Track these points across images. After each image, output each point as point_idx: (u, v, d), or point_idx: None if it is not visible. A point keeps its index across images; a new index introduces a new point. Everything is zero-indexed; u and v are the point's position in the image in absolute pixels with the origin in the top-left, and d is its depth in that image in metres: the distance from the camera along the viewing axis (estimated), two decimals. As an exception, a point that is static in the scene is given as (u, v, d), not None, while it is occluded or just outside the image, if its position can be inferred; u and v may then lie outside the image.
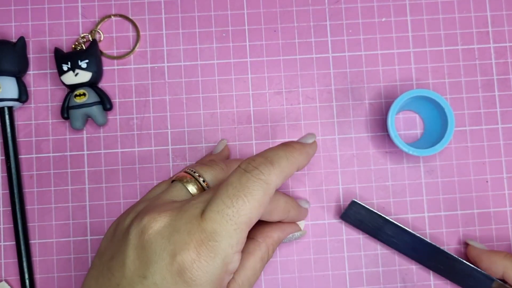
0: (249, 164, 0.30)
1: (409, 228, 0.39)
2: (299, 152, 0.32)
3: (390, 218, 0.39)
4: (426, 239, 0.39)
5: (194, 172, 0.33)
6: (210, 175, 0.34)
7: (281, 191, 0.35)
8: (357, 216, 0.40)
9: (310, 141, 0.34)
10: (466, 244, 0.40)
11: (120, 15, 0.43)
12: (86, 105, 0.40)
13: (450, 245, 0.41)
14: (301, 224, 0.39)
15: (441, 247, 0.39)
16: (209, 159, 0.38)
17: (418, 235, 0.39)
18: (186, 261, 0.28)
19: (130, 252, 0.29)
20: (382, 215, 0.39)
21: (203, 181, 0.33)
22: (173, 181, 0.34)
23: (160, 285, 0.28)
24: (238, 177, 0.30)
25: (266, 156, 0.31)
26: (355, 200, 0.39)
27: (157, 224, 0.29)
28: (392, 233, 0.39)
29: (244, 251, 0.33)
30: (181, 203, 0.31)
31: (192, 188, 0.33)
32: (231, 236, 0.29)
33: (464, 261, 0.38)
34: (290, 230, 0.37)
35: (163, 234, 0.29)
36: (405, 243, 0.40)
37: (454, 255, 0.39)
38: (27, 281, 0.40)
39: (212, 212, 0.29)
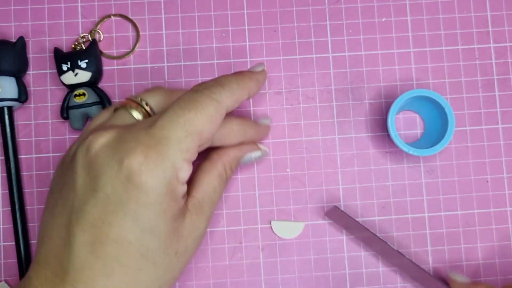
0: (200, 86, 0.31)
1: (392, 244, 0.39)
2: (249, 78, 0.33)
3: (373, 229, 0.39)
4: (406, 256, 0.38)
5: (137, 98, 0.33)
6: (154, 100, 0.33)
7: (236, 116, 0.36)
8: (339, 219, 0.40)
9: (259, 69, 0.36)
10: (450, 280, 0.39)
11: (120, 15, 0.43)
12: (86, 105, 0.40)
13: (449, 246, 0.41)
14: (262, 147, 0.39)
15: (421, 266, 0.39)
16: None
17: (397, 250, 0.39)
18: (133, 164, 0.27)
19: (79, 171, 0.29)
20: (364, 225, 0.39)
21: (147, 104, 0.32)
22: (116, 109, 0.33)
23: (111, 195, 0.27)
24: (190, 94, 0.30)
25: (216, 80, 0.31)
26: (337, 206, 0.39)
27: (102, 139, 0.29)
28: (374, 242, 0.39)
29: (201, 170, 0.33)
30: (127, 124, 0.31)
31: (137, 114, 0.32)
32: (181, 142, 0.28)
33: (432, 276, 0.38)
34: (248, 149, 0.36)
35: (109, 146, 0.28)
36: (386, 253, 0.40)
37: (431, 275, 0.39)
38: (27, 281, 0.40)
39: (163, 120, 0.29)
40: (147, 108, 0.32)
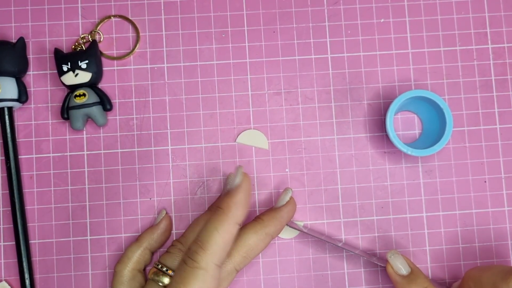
0: (185, 255, 0.34)
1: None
2: (228, 222, 0.34)
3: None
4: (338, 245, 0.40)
5: (158, 265, 0.36)
6: (171, 261, 0.36)
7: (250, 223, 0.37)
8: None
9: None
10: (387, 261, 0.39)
11: (120, 16, 0.43)
12: (86, 105, 0.40)
13: (448, 245, 0.41)
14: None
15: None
16: (149, 236, 0.40)
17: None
18: None
19: None
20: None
21: (166, 270, 0.36)
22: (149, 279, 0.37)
23: None
24: (179, 271, 0.33)
25: (198, 240, 0.33)
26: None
27: None
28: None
29: None
30: None
31: (164, 279, 0.36)
32: None
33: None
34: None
35: None
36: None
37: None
38: (27, 281, 0.40)
39: None
40: (168, 273, 0.36)
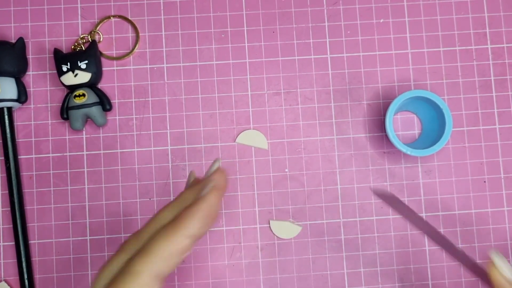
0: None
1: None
2: (177, 234, 0.29)
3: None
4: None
5: None
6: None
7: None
8: (388, 200, 0.38)
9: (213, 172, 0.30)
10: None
11: (120, 16, 0.43)
12: (85, 105, 0.40)
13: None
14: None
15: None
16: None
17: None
18: None
19: None
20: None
21: None
22: None
23: None
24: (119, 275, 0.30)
25: (144, 249, 0.30)
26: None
27: None
28: (420, 222, 0.37)
29: None
30: None
31: None
32: None
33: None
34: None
35: None
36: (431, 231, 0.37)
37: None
38: (26, 281, 0.40)
39: None
40: None
